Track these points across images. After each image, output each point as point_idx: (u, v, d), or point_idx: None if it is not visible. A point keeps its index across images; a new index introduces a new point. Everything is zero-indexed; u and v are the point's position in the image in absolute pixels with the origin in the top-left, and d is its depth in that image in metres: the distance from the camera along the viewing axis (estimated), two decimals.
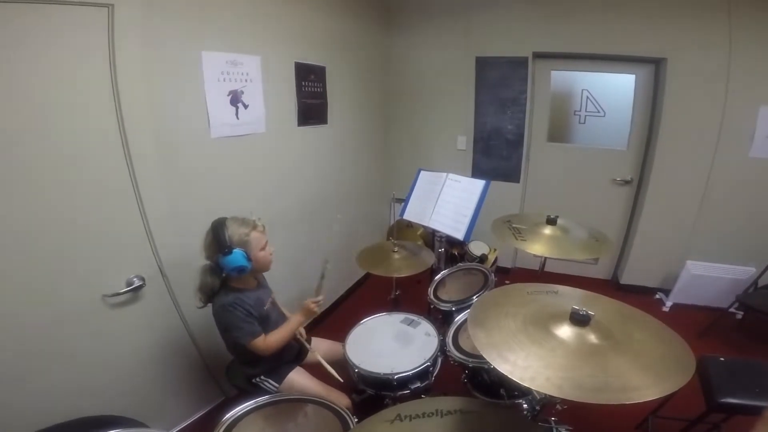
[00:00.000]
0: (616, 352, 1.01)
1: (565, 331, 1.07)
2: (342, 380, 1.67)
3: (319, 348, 1.95)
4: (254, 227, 1.59)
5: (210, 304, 1.62)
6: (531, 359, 0.98)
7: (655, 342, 1.08)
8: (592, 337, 1.05)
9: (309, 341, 1.91)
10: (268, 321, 1.69)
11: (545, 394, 1.22)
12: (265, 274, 1.81)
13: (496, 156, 3.73)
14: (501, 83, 3.50)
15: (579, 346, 1.03)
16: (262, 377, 1.72)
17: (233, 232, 1.51)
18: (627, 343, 1.04)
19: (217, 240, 1.49)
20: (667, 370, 0.96)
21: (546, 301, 1.26)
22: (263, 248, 1.62)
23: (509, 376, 0.92)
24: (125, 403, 1.78)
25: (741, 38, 2.77)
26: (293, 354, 1.87)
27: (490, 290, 2.05)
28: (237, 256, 1.49)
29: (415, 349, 1.76)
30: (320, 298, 1.77)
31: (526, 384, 0.90)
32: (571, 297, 1.30)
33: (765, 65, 2.80)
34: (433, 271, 2.40)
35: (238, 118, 2.14)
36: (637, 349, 1.03)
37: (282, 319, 1.84)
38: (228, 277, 1.58)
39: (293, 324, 1.71)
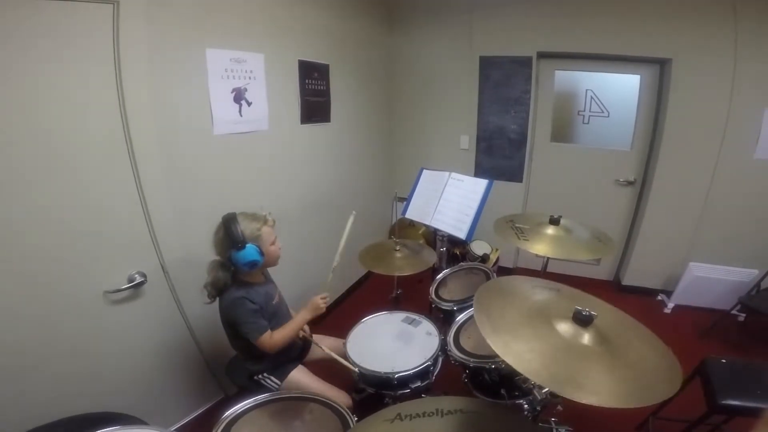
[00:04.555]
0: (611, 357, 1.02)
1: (564, 329, 1.08)
2: (356, 369, 1.64)
3: (322, 344, 1.95)
4: (265, 222, 1.59)
5: (215, 302, 1.62)
6: (533, 346, 1.01)
7: (648, 352, 1.09)
8: (587, 338, 1.06)
9: (311, 336, 1.90)
10: (277, 316, 1.70)
11: (546, 395, 1.22)
12: (270, 270, 1.81)
13: (499, 155, 3.72)
14: (504, 83, 3.48)
15: (575, 344, 1.05)
16: (265, 374, 1.72)
17: (245, 226, 1.51)
18: (622, 351, 1.06)
19: (230, 235, 1.48)
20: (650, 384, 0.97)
21: (548, 298, 1.27)
22: (273, 243, 1.63)
23: (508, 361, 0.95)
24: (124, 399, 1.78)
25: (747, 39, 2.75)
26: (296, 352, 1.87)
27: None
28: (250, 251, 1.50)
29: (415, 349, 1.76)
30: (326, 294, 1.77)
31: (524, 372, 0.93)
32: (573, 297, 1.30)
33: None
34: (434, 271, 2.39)
35: (241, 115, 2.15)
36: (632, 358, 1.04)
37: (289, 314, 1.84)
38: (238, 271, 1.58)
39: (299, 320, 1.71)
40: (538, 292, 1.30)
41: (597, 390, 0.91)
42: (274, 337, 1.61)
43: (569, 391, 0.89)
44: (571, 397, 0.87)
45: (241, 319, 1.55)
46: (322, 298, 1.76)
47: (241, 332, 1.57)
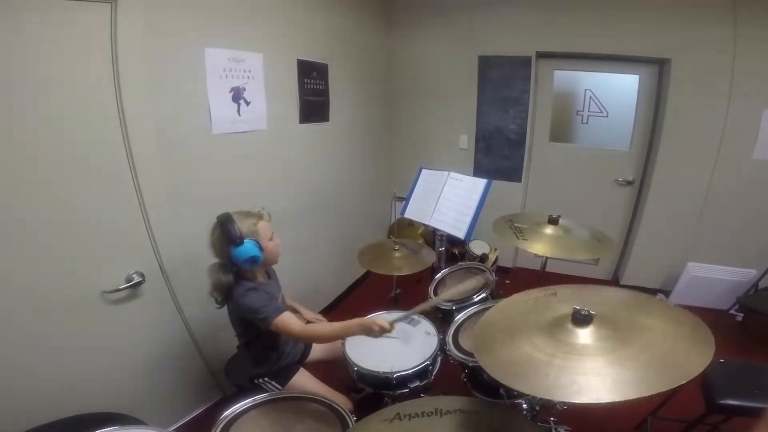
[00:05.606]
0: (628, 344, 0.98)
1: (574, 334, 1.04)
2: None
3: (317, 346, 1.95)
4: (260, 217, 1.57)
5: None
6: (556, 371, 0.94)
7: (667, 323, 1.05)
8: (601, 334, 1.02)
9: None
10: None
11: None
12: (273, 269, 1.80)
13: (498, 155, 3.72)
14: (504, 82, 3.49)
15: (590, 345, 1.00)
16: (266, 378, 1.69)
17: (241, 223, 1.48)
18: (637, 332, 1.02)
19: (227, 233, 1.45)
20: (689, 348, 0.94)
21: (547, 306, 1.23)
22: (271, 238, 1.60)
23: (530, 393, 0.91)
24: (122, 399, 1.78)
25: (746, 39, 2.76)
26: (298, 355, 1.84)
27: (489, 289, 2.05)
28: (249, 246, 1.46)
29: (414, 348, 1.75)
30: (389, 328, 1.47)
31: (548, 397, 0.89)
32: (571, 296, 1.28)
33: None
34: (433, 270, 2.39)
35: (239, 115, 2.14)
36: (648, 336, 1.00)
37: None
38: (240, 270, 1.55)
39: (349, 328, 1.50)
40: (534, 305, 1.25)
41: (623, 385, 0.86)
42: (312, 329, 1.54)
43: (599, 395, 0.84)
44: (602, 401, 0.83)
45: (256, 304, 1.48)
46: (381, 327, 1.45)
47: (258, 318, 1.47)
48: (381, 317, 1.56)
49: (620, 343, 0.98)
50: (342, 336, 1.60)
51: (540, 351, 1.01)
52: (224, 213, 1.52)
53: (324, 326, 1.60)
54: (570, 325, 1.06)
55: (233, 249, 1.46)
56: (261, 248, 1.51)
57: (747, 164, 3.02)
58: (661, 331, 1.02)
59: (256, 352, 1.66)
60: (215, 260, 1.55)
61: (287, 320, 1.48)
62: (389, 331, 1.46)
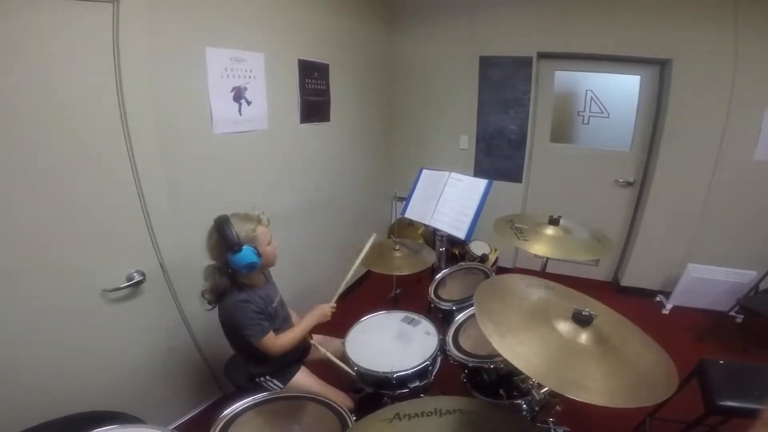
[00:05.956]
0: (610, 357, 1.02)
1: (564, 329, 1.09)
2: (353, 372, 1.64)
3: (321, 346, 1.95)
4: (259, 222, 1.55)
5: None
6: (537, 348, 1.01)
7: (645, 352, 1.09)
8: (586, 339, 1.06)
9: (311, 337, 1.90)
10: (276, 318, 1.67)
11: (545, 395, 1.22)
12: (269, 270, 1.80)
13: (498, 156, 3.72)
14: (504, 83, 3.49)
15: (576, 345, 1.05)
16: (267, 377, 1.70)
17: (239, 228, 1.46)
18: (620, 351, 1.05)
19: (224, 238, 1.43)
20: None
21: (544, 297, 1.27)
22: (269, 243, 1.59)
23: (515, 364, 0.95)
24: (122, 398, 1.78)
25: (747, 40, 2.76)
26: (298, 353, 1.84)
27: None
28: (247, 253, 1.45)
29: (414, 348, 1.75)
30: (335, 304, 1.83)
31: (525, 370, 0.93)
32: (568, 296, 1.30)
33: None
34: (433, 270, 2.40)
35: (241, 114, 2.14)
36: (629, 358, 1.04)
37: (289, 317, 1.83)
38: (237, 274, 1.54)
39: (305, 325, 1.72)
40: (534, 291, 1.30)
41: (602, 390, 0.90)
42: (280, 341, 1.60)
43: (576, 392, 0.88)
44: (579, 399, 0.86)
45: (242, 322, 1.51)
46: (331, 307, 1.80)
47: (242, 335, 1.53)
48: (324, 304, 1.83)
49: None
50: (305, 333, 1.73)
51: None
52: (221, 216, 1.50)
53: (287, 334, 1.67)
54: (562, 321, 1.11)
55: (231, 255, 1.44)
56: (259, 254, 1.50)
57: (748, 165, 3.02)
58: (642, 356, 1.07)
59: (253, 354, 1.66)
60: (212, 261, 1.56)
61: (270, 342, 1.58)
62: (335, 308, 1.83)
